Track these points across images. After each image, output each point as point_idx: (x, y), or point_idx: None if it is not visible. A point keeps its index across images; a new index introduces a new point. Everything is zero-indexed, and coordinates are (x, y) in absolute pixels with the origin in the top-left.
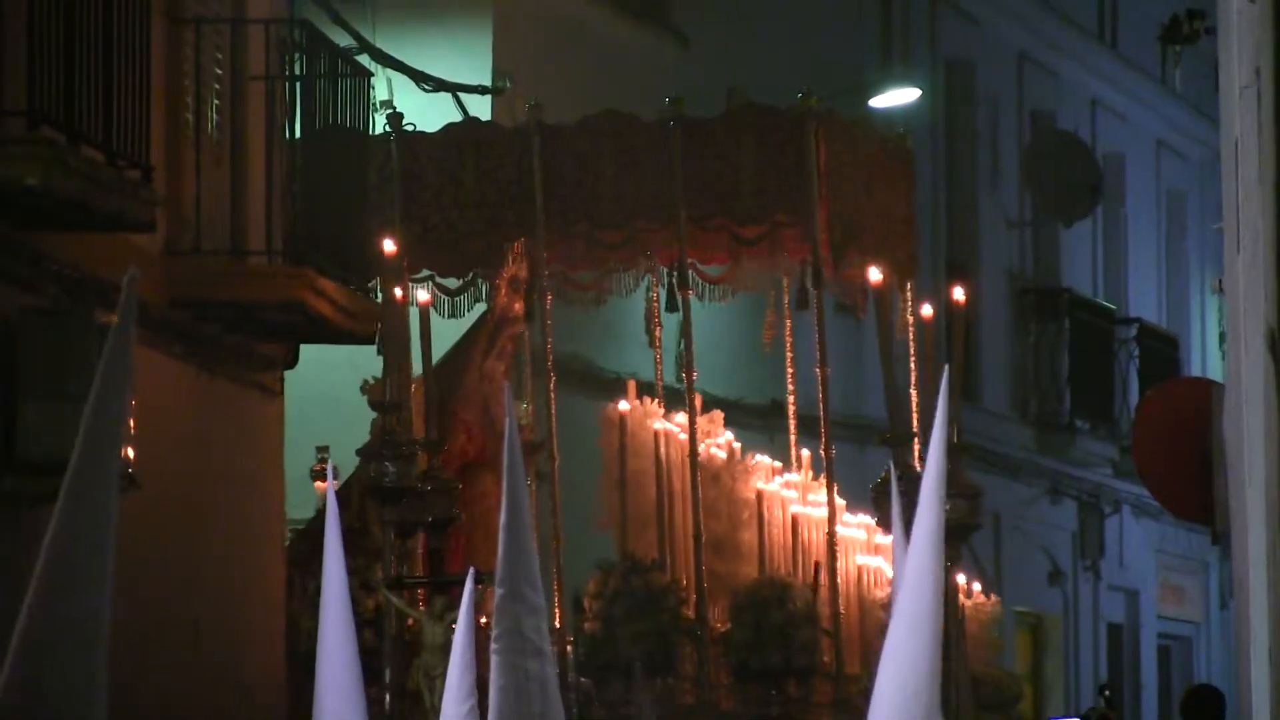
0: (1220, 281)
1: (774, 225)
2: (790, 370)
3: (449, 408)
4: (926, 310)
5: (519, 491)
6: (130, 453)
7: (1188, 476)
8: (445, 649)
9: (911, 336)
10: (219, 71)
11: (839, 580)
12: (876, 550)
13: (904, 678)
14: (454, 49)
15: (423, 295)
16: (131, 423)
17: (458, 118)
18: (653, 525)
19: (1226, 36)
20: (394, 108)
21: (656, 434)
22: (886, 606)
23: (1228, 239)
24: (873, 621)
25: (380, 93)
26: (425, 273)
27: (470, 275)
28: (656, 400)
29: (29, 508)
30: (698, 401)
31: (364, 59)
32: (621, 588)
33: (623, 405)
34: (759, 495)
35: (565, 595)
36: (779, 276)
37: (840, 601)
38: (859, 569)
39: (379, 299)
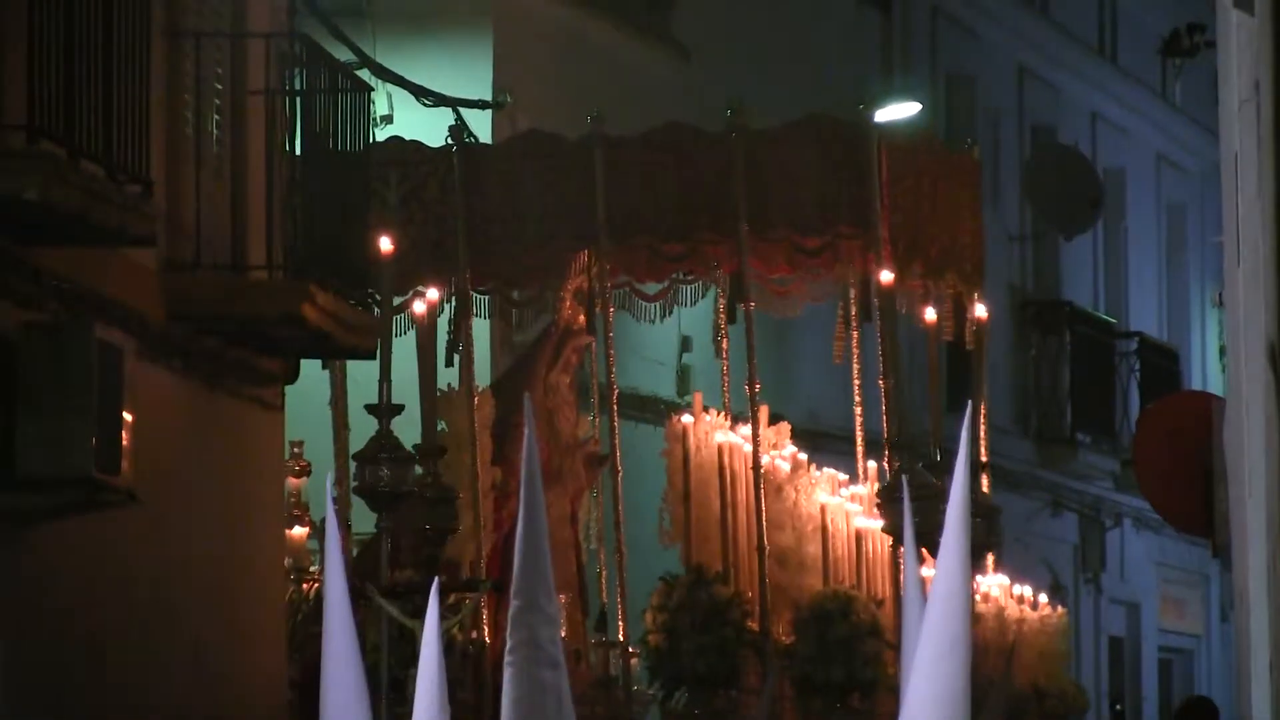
0: (1220, 295)
1: (836, 236)
2: (857, 382)
3: (513, 420)
4: (930, 315)
5: (536, 502)
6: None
7: (1188, 490)
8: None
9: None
10: (219, 86)
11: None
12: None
13: (937, 701)
14: (454, 63)
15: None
16: (126, 437)
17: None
18: (715, 538)
19: (1226, 50)
20: (393, 121)
21: (720, 447)
22: None
23: (1228, 252)
24: None
25: (380, 107)
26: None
27: (538, 288)
28: (722, 413)
29: (28, 523)
30: (763, 413)
31: (364, 74)
32: (685, 600)
33: (686, 418)
34: (823, 508)
35: (629, 608)
36: (846, 286)
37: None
38: (924, 581)
39: (378, 312)
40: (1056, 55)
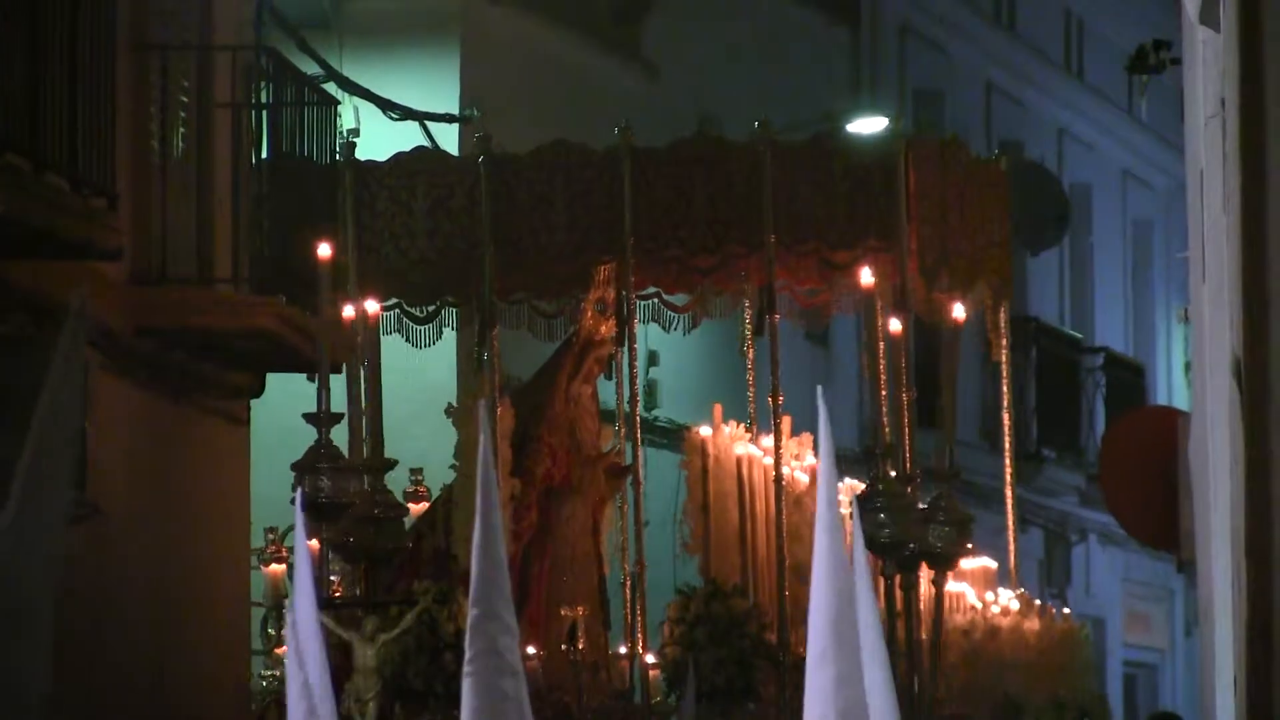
0: (1186, 310)
1: (865, 249)
2: (883, 392)
3: (534, 432)
4: (895, 326)
5: (491, 510)
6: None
7: (1153, 505)
8: (378, 672)
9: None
10: (185, 99)
11: (918, 605)
12: (960, 575)
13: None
14: (421, 77)
15: (371, 306)
16: (91, 450)
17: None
18: (734, 550)
19: (1192, 67)
20: (359, 135)
21: (739, 458)
22: (967, 631)
23: (1193, 268)
24: (953, 647)
25: (347, 120)
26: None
27: (564, 298)
28: (742, 424)
29: None
30: (786, 423)
31: (331, 87)
32: (703, 613)
33: (705, 430)
34: (842, 520)
35: (648, 620)
36: (872, 300)
37: (919, 627)
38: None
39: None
40: (1024, 72)
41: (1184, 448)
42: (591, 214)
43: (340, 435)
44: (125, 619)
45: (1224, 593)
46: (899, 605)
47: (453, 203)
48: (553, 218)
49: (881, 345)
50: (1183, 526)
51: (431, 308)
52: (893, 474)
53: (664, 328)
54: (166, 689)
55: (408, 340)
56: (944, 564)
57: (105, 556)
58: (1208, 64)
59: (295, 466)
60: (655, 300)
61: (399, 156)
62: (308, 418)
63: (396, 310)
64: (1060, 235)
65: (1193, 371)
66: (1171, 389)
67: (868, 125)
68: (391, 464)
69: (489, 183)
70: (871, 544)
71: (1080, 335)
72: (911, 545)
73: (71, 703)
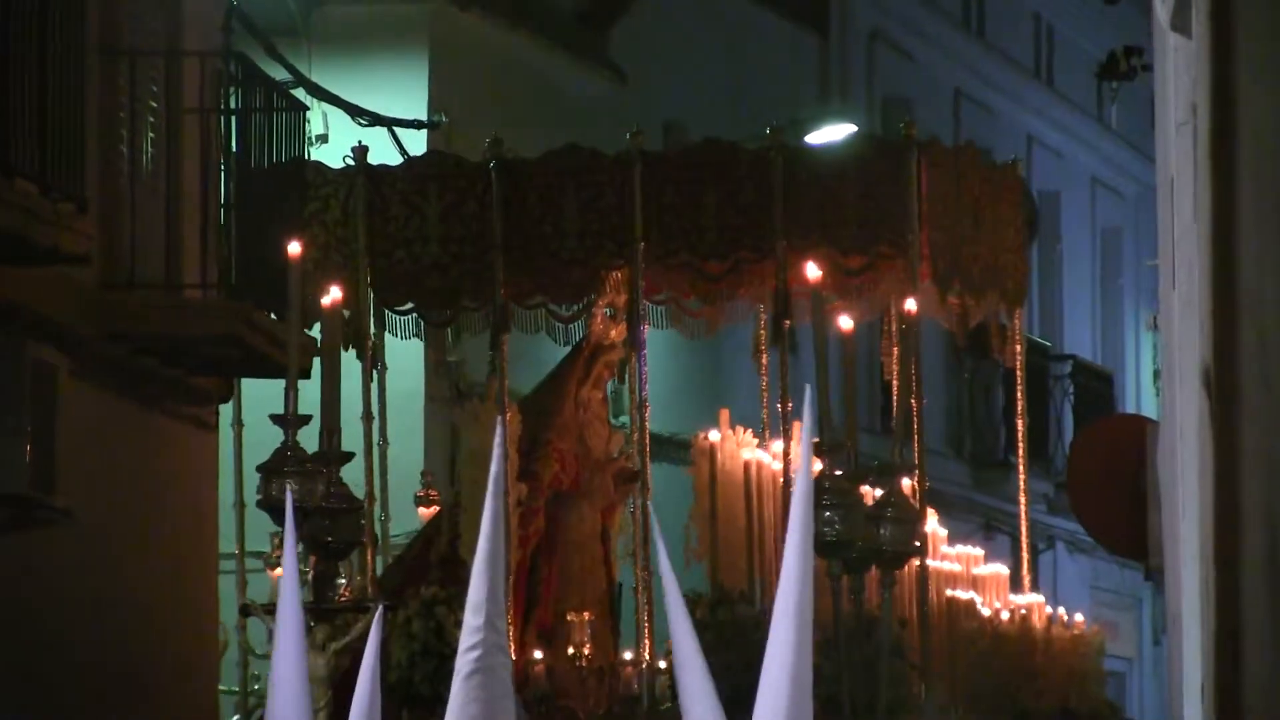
0: (1155, 318)
1: (877, 255)
2: (894, 398)
3: (543, 436)
4: (845, 323)
5: (499, 522)
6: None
7: (1122, 513)
8: (329, 681)
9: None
10: (154, 104)
11: (930, 613)
12: (973, 583)
13: (775, 702)
14: (390, 83)
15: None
16: (60, 455)
17: (393, 152)
18: (742, 556)
19: (1162, 73)
20: (328, 141)
21: (747, 464)
22: (976, 639)
23: (1163, 276)
24: (963, 655)
25: (316, 127)
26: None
27: (583, 302)
28: (751, 430)
29: None
30: (796, 429)
31: (299, 93)
32: (708, 619)
33: (713, 435)
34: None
35: (655, 627)
36: (890, 303)
37: (931, 635)
38: (949, 601)
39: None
40: (993, 78)
41: (1152, 455)
42: (602, 219)
43: (314, 440)
44: (94, 623)
45: (1192, 601)
46: (849, 606)
47: (464, 208)
48: (564, 223)
49: (893, 347)
50: (1151, 534)
51: (444, 315)
52: (839, 473)
53: (682, 334)
54: (135, 693)
55: (422, 341)
56: (893, 564)
57: (73, 561)
58: (1178, 70)
59: (261, 469)
60: (671, 305)
61: (411, 161)
62: (274, 419)
63: (413, 314)
64: (1029, 242)
65: (1161, 379)
66: (1140, 397)
67: (836, 132)
68: (348, 456)
69: (500, 187)
70: (816, 543)
71: (1049, 343)
72: (859, 545)
73: (41, 707)
